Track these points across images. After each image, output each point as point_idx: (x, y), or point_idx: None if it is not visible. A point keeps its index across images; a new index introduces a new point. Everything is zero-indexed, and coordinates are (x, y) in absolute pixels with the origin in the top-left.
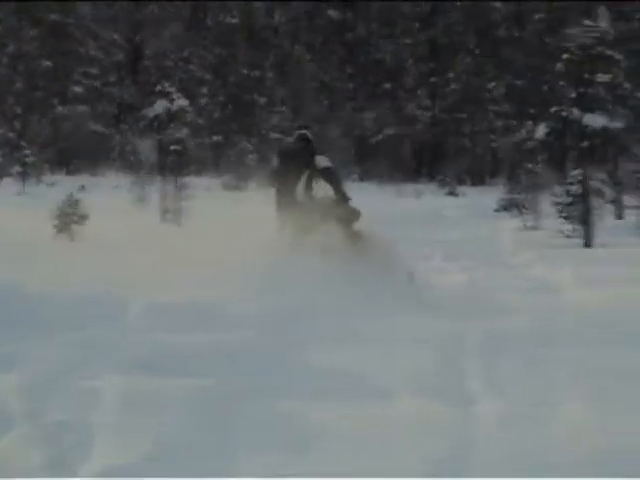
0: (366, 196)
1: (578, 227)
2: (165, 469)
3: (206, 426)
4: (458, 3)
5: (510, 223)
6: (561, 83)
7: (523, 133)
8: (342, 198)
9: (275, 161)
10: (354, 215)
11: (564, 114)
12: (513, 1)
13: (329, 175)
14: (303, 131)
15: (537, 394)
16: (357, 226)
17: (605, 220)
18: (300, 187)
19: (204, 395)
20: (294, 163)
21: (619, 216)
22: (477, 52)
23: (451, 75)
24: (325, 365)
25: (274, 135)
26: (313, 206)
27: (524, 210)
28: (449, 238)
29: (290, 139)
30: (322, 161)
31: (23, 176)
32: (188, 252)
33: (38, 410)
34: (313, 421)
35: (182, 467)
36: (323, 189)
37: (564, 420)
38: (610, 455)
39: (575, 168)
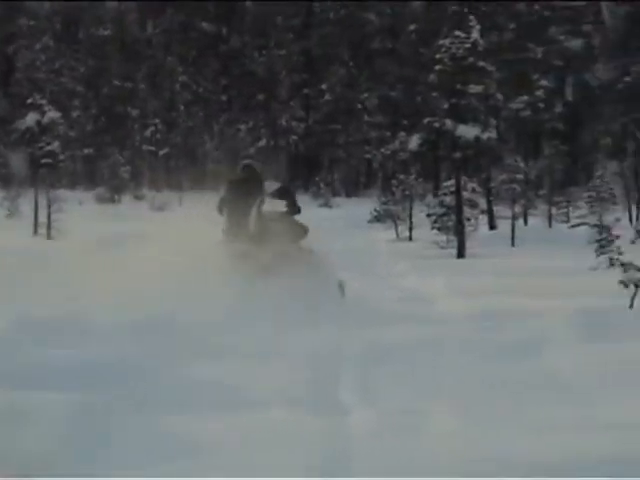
0: None
1: (451, 238)
2: None
3: (72, 441)
4: (332, 15)
5: (384, 234)
6: (434, 94)
7: (396, 144)
8: (293, 212)
9: (223, 191)
10: (302, 231)
11: (437, 125)
12: (386, 0)
13: (284, 193)
14: (248, 161)
15: (408, 403)
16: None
17: (478, 230)
18: (254, 212)
19: (72, 410)
20: (245, 191)
21: (492, 226)
22: (351, 64)
23: (325, 86)
24: (201, 378)
25: (147, 147)
26: (264, 225)
27: (398, 221)
28: (323, 249)
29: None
30: (272, 185)
31: None
32: (59, 265)
33: None
34: (183, 433)
35: None
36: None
37: (435, 429)
38: (478, 463)
39: (448, 179)
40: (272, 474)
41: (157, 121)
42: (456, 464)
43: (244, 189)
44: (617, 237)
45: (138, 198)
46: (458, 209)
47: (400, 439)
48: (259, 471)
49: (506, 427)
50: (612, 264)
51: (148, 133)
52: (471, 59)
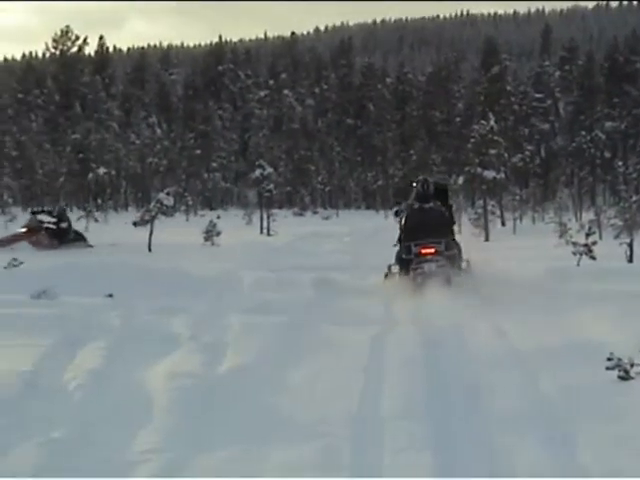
0: (369, 218)
1: (481, 230)
2: (272, 363)
3: (286, 341)
4: (415, 113)
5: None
6: (471, 154)
7: (452, 182)
8: None
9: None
10: None
11: (472, 171)
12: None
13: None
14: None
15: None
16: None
17: (495, 226)
18: None
19: (283, 325)
20: None
21: (503, 223)
22: (426, 139)
23: (412, 152)
24: (345, 307)
25: (319, 186)
26: None
27: None
28: None
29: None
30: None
31: (187, 211)
32: (275, 246)
33: (197, 336)
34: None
35: (282, 360)
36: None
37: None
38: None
39: (479, 199)
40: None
41: (324, 172)
42: None
43: None
44: (569, 228)
45: (314, 213)
46: (485, 215)
47: None
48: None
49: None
50: (567, 243)
51: (319, 178)
52: (490, 136)
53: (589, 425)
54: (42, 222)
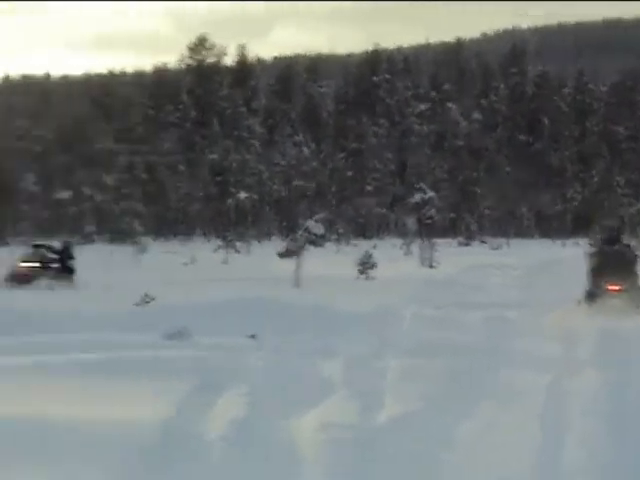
0: (545, 248)
1: None
2: (437, 413)
3: (453, 388)
4: (595, 128)
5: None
6: None
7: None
8: None
9: None
10: None
11: None
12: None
13: None
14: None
15: None
16: None
17: None
18: None
19: (448, 369)
20: None
21: None
22: (609, 158)
23: (593, 172)
24: None
25: (486, 212)
26: None
27: None
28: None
29: None
30: None
31: (338, 240)
32: (438, 280)
33: (351, 381)
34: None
35: (448, 411)
36: None
37: None
38: None
39: None
40: None
41: (492, 195)
42: None
43: None
44: None
45: (482, 242)
46: None
47: None
48: None
49: None
50: None
51: (487, 203)
52: None
53: None
54: (45, 257)
